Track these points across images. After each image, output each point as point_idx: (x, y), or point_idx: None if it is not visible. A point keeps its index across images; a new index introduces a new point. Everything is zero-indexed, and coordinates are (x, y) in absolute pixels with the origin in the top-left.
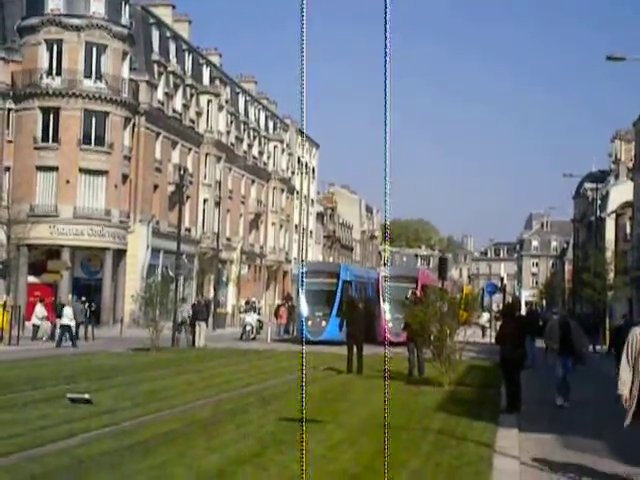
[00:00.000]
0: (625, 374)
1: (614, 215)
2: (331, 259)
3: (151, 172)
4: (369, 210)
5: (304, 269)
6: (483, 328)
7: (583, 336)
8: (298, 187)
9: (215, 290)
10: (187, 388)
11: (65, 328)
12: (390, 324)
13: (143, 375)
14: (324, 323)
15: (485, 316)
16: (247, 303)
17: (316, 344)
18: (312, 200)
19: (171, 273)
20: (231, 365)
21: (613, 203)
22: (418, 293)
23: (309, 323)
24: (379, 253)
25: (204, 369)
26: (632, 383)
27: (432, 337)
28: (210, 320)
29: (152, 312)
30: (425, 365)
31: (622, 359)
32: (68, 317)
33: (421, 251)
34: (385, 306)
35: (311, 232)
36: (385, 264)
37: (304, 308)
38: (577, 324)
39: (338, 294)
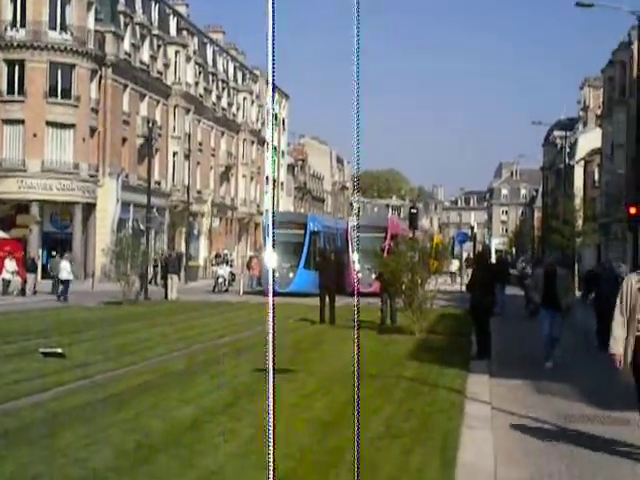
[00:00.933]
0: (618, 330)
1: (582, 162)
2: (302, 211)
3: (119, 125)
4: (340, 161)
5: (270, 220)
6: (452, 275)
7: (570, 287)
8: (268, 139)
9: (187, 243)
10: (160, 340)
11: (65, 282)
12: (359, 274)
13: (115, 328)
14: (291, 274)
15: (455, 263)
16: (217, 256)
17: (283, 296)
18: (283, 152)
19: (142, 227)
20: (204, 317)
21: (581, 150)
22: (388, 244)
23: (276, 274)
24: (350, 204)
25: (177, 322)
26: (626, 340)
27: (404, 286)
28: (182, 273)
29: (123, 266)
30: (397, 314)
31: (615, 312)
32: (66, 270)
33: (392, 201)
34: (355, 256)
35: (282, 184)
36: (355, 214)
37: (270, 259)
38: (566, 273)
39: (306, 245)
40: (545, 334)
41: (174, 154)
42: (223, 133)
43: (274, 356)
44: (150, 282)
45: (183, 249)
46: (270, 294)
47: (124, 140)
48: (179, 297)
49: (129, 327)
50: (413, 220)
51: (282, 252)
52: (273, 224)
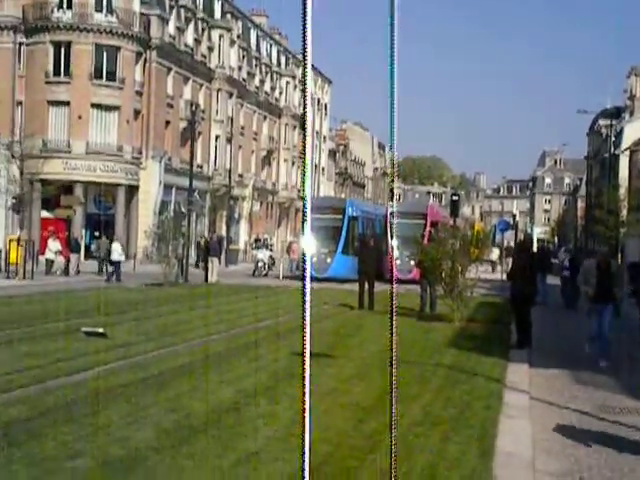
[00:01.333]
0: None
1: (628, 152)
2: (343, 196)
3: (163, 108)
4: (381, 147)
5: (309, 204)
6: (493, 264)
7: (623, 283)
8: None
9: (227, 227)
10: (200, 323)
11: (116, 264)
12: (398, 261)
13: (156, 310)
14: (329, 260)
15: (496, 252)
16: (257, 240)
17: (321, 281)
18: (324, 137)
19: (183, 209)
20: (243, 301)
21: (627, 140)
22: (428, 231)
23: (314, 260)
24: (391, 190)
25: (217, 304)
26: None
27: (444, 274)
28: (222, 256)
29: (165, 248)
30: (437, 302)
31: None
32: (118, 252)
33: (433, 188)
34: (394, 243)
35: (323, 169)
36: (393, 200)
37: (308, 244)
38: (618, 266)
39: (344, 230)
40: (596, 332)
41: (216, 138)
42: (265, 117)
43: (310, 346)
44: (195, 265)
45: (224, 232)
46: (307, 280)
47: (167, 123)
48: (219, 280)
49: (169, 309)
50: (454, 207)
51: (320, 237)
52: (310, 209)
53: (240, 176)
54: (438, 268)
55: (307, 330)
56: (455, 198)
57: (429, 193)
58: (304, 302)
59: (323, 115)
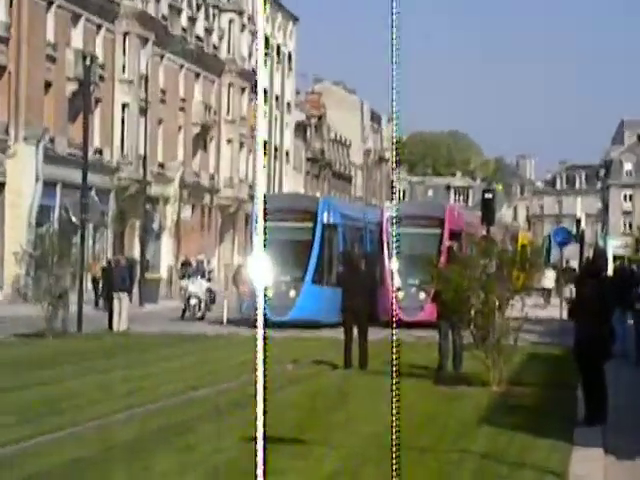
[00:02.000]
0: None
1: None
2: (318, 194)
3: (40, 62)
4: (376, 119)
5: (260, 207)
6: (547, 294)
7: None
8: (266, 84)
9: (142, 244)
10: (101, 395)
11: None
12: (401, 293)
13: (33, 375)
14: (293, 293)
15: (551, 276)
16: (184, 264)
17: (284, 327)
18: (288, 104)
19: (74, 219)
20: (168, 359)
21: None
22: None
23: (270, 294)
24: (391, 184)
25: (127, 365)
26: None
27: (473, 313)
28: (135, 290)
29: (46, 279)
30: (464, 355)
31: None
32: None
33: (455, 180)
34: (393, 265)
35: (287, 154)
36: (394, 198)
37: (260, 269)
38: None
39: (316, 247)
40: None
41: (123, 107)
42: (198, 75)
43: (267, 428)
44: (94, 304)
45: (137, 254)
46: (260, 328)
47: (48, 85)
48: (130, 327)
49: (54, 374)
50: (488, 210)
51: (279, 258)
52: (262, 214)
53: (161, 166)
54: (464, 303)
55: (261, 404)
56: (489, 196)
57: (449, 188)
58: (258, 362)
59: (286, 71)
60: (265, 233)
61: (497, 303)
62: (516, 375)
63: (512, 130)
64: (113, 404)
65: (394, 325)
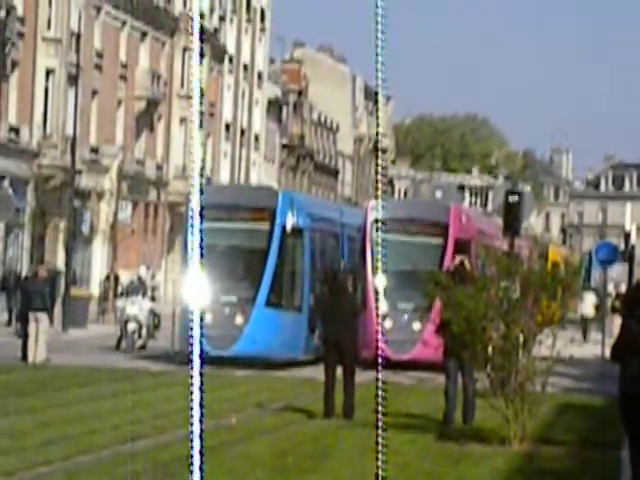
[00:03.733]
0: None
1: None
2: (299, 190)
3: None
4: (371, 98)
5: (196, 204)
6: (585, 325)
7: None
8: (232, 49)
9: (68, 251)
10: (9, 445)
11: None
12: (388, 322)
13: None
14: (240, 319)
15: (590, 301)
16: (109, 279)
17: (225, 364)
18: (259, 74)
19: None
20: (97, 400)
21: None
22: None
23: (208, 319)
24: (390, 181)
25: (43, 407)
26: None
27: (490, 349)
28: (57, 310)
29: None
30: (476, 404)
31: None
32: None
33: (471, 178)
34: (379, 283)
35: (257, 138)
36: (379, 194)
37: (197, 286)
38: None
39: (272, 256)
40: None
41: (47, 74)
42: (145, 34)
43: None
44: (6, 324)
45: (61, 263)
46: (195, 364)
47: None
48: (49, 358)
49: None
50: (513, 217)
51: (222, 271)
52: (199, 211)
53: (94, 151)
54: (479, 337)
55: (196, 461)
56: (514, 199)
57: (463, 188)
58: (192, 410)
59: (257, 32)
60: (202, 238)
61: (521, 338)
62: (544, 431)
63: (545, 117)
64: (25, 461)
65: (379, 365)
